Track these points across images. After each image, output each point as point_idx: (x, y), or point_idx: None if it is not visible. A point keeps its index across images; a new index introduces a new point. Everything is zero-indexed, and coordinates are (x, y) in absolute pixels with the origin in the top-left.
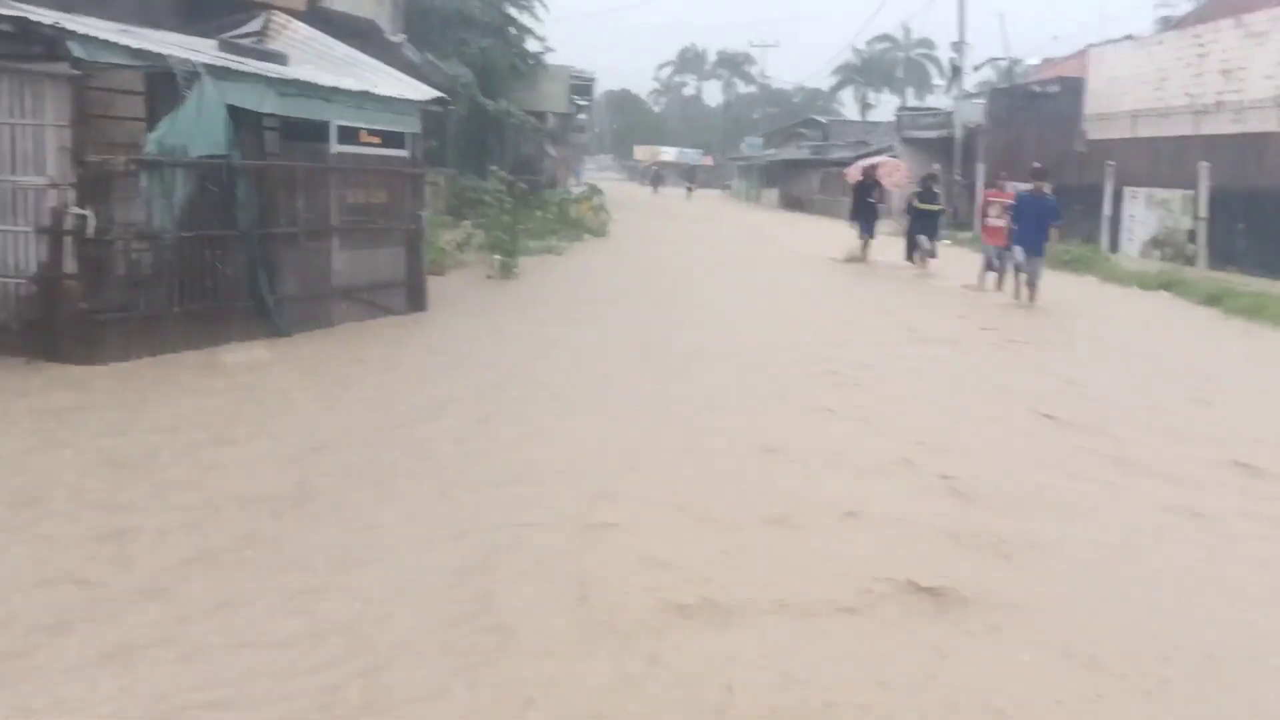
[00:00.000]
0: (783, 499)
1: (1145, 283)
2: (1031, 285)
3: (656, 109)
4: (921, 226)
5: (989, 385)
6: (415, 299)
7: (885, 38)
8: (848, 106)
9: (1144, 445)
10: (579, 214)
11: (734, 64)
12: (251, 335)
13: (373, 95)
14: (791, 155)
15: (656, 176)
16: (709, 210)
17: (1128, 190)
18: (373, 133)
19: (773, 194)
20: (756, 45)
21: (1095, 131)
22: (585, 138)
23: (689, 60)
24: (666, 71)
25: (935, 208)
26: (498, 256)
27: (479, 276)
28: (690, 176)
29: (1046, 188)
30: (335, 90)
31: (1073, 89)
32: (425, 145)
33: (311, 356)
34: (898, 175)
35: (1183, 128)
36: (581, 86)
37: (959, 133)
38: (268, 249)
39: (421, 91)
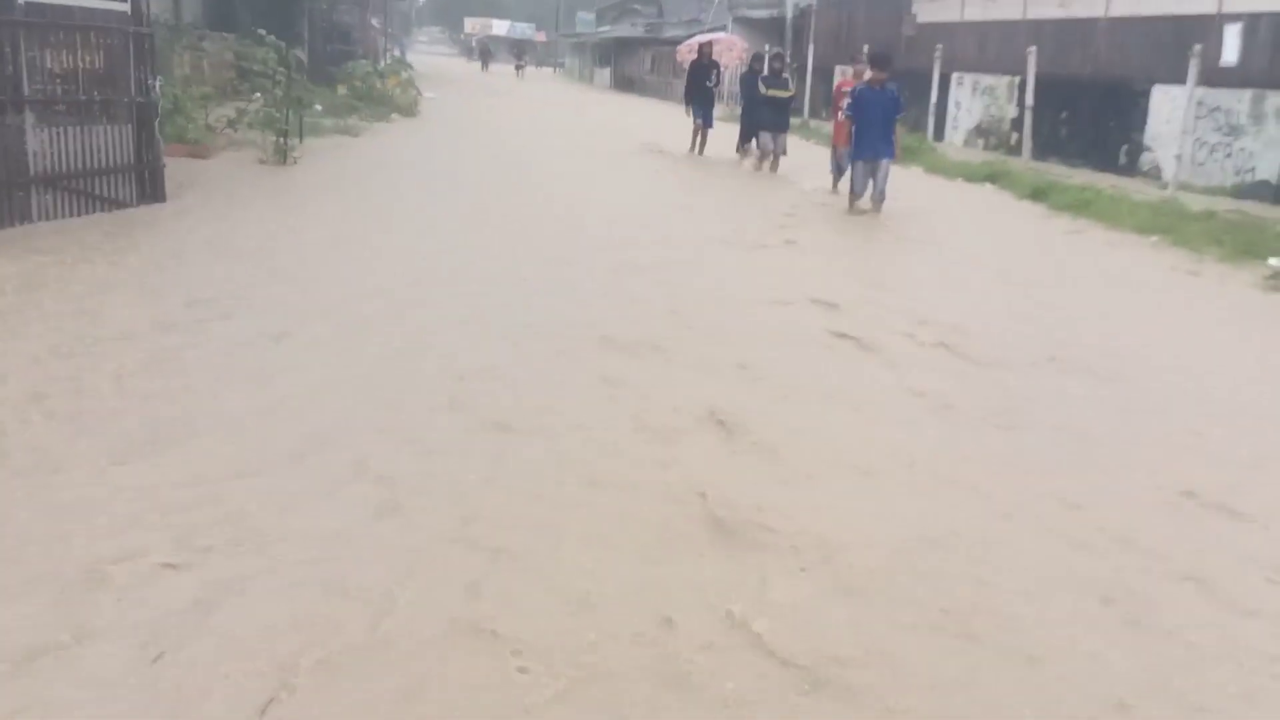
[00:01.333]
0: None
1: (971, 174)
2: (880, 195)
3: None
4: (769, 117)
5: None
6: (149, 188)
7: None
8: None
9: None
10: (386, 90)
11: None
12: None
13: None
14: (623, 33)
15: (485, 52)
16: (537, 90)
17: (954, 76)
18: None
19: (605, 74)
20: None
21: (925, 14)
22: (407, 5)
23: None
24: None
25: (785, 93)
26: (273, 137)
27: (252, 160)
28: (520, 53)
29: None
30: None
31: None
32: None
33: None
34: (733, 54)
35: (1011, 11)
36: None
37: (790, 12)
38: None
39: None
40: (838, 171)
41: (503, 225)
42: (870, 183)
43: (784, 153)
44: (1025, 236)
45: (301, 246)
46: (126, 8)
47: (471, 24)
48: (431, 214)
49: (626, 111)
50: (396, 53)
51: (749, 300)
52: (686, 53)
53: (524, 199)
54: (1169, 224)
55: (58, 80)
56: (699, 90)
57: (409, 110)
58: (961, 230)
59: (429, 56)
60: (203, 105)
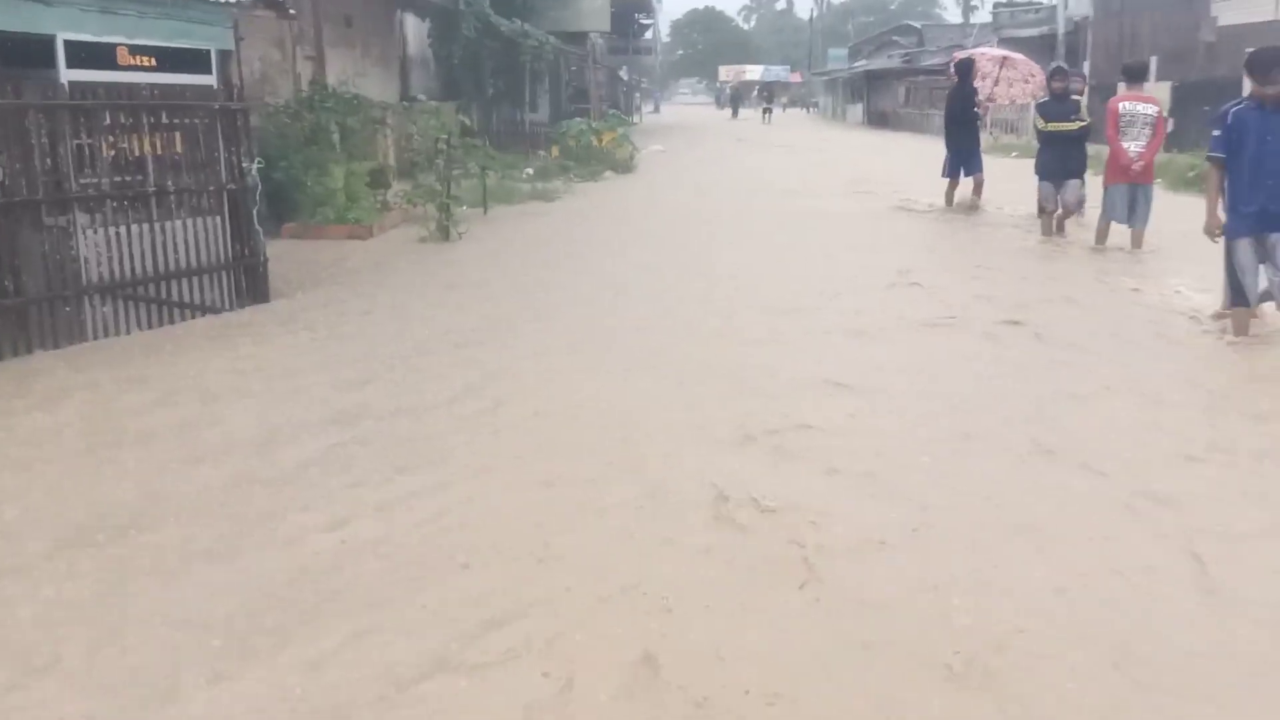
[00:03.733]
0: None
1: None
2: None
3: (746, 26)
4: (1056, 160)
5: None
6: (250, 287)
7: None
8: (949, 10)
9: None
10: (602, 147)
11: None
12: None
13: None
14: (873, 65)
15: (735, 97)
16: (779, 134)
17: None
18: (140, 50)
19: (857, 110)
20: None
21: (1228, 16)
22: (652, 60)
23: None
24: None
25: (1070, 126)
26: (440, 211)
27: (414, 238)
28: (768, 96)
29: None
30: None
31: None
32: (427, 77)
33: None
34: (1014, 80)
35: None
36: (638, 2)
37: (1062, 27)
38: None
39: None
40: (1104, 218)
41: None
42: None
43: (1079, 210)
44: None
45: (408, 359)
46: (212, 80)
47: (726, 71)
48: (571, 314)
49: (874, 151)
50: (650, 108)
51: None
52: (972, 61)
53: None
54: None
55: (125, 170)
56: (957, 124)
57: (624, 166)
58: None
59: (685, 107)
60: (377, 181)
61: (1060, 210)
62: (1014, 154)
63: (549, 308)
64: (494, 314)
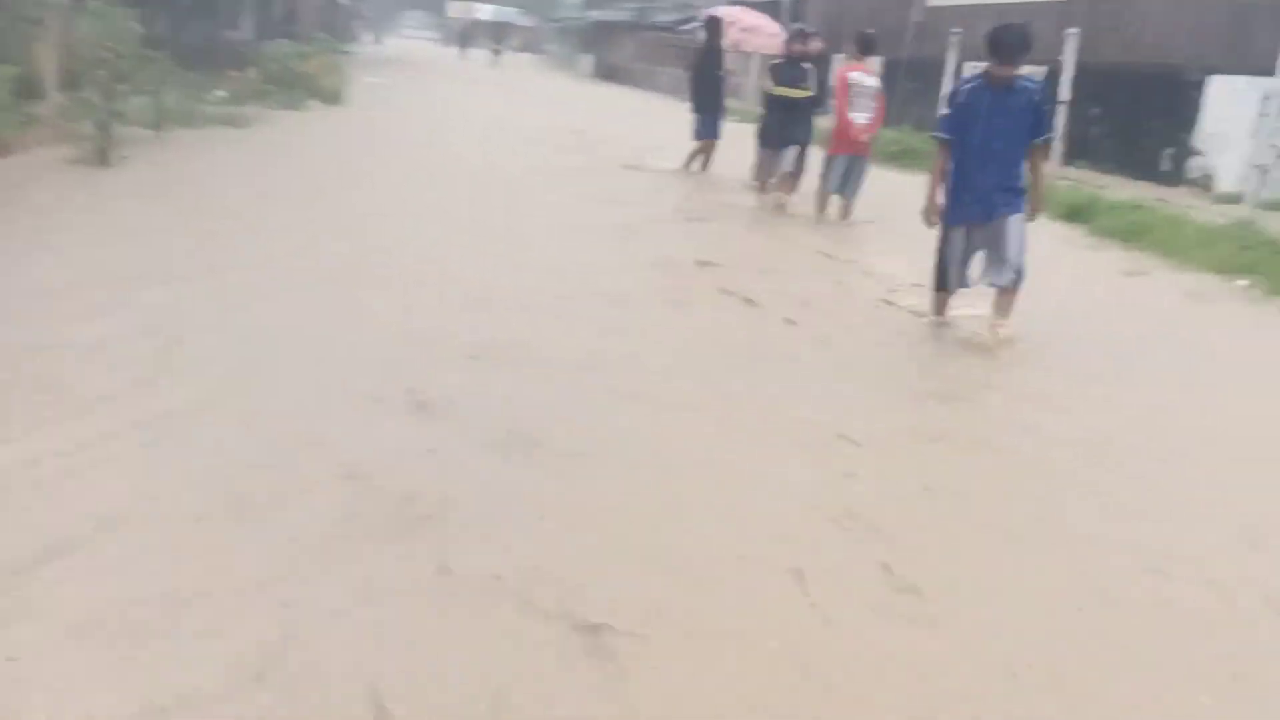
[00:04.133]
0: None
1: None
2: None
3: None
4: (781, 126)
5: None
6: None
7: None
8: None
9: None
10: (307, 73)
11: None
12: None
13: None
14: (607, 16)
15: (465, 36)
16: (507, 77)
17: (969, 66)
18: None
19: (588, 61)
20: None
21: None
22: None
23: None
24: None
25: (800, 93)
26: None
27: (63, 159)
28: (498, 38)
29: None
30: None
31: None
32: None
33: None
34: (758, 36)
35: None
36: None
37: None
38: None
39: None
40: (824, 189)
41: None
42: (985, 267)
43: (795, 180)
44: (1093, 288)
45: None
46: None
47: (454, 8)
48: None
49: (602, 105)
50: (370, 38)
51: None
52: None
53: (395, 239)
54: (1258, 259)
55: None
56: (705, 84)
57: (332, 97)
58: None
59: (411, 42)
60: (29, 92)
61: (776, 179)
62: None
63: (212, 261)
64: (139, 265)
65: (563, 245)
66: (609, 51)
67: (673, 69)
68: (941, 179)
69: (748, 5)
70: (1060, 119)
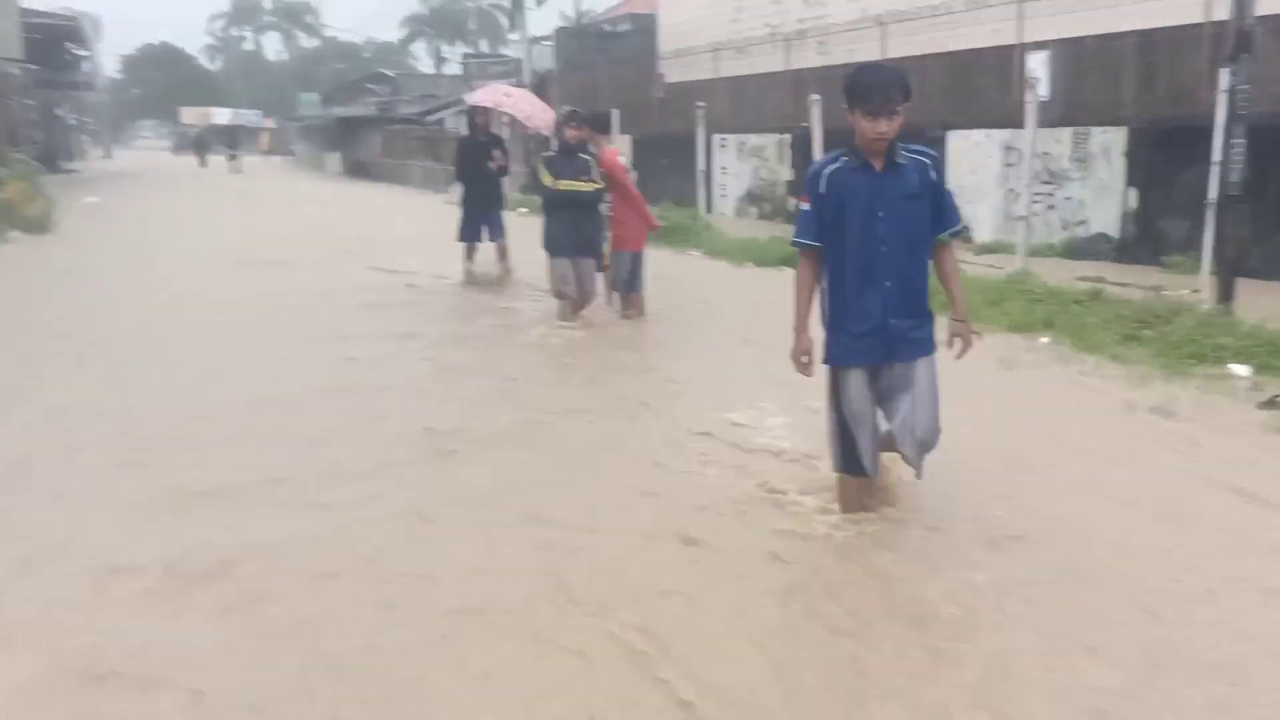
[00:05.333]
0: None
1: (762, 257)
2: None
3: (213, 67)
4: (569, 229)
5: None
6: None
7: None
8: (422, 61)
9: None
10: (7, 199)
11: (292, 14)
12: None
13: None
14: (350, 112)
15: (201, 143)
16: (249, 184)
17: (717, 138)
18: None
19: (335, 158)
20: None
21: (675, 74)
22: (95, 98)
23: (244, 11)
24: (221, 24)
25: (586, 186)
26: None
27: None
28: (234, 142)
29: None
30: None
31: (645, 26)
32: None
33: None
34: (536, 112)
35: (771, 62)
36: (65, 29)
37: (529, 79)
38: None
39: None
40: (612, 288)
41: None
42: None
43: (596, 295)
44: None
45: None
46: None
47: (189, 114)
48: None
49: (349, 204)
50: (100, 152)
51: None
52: (485, 108)
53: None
54: (1051, 313)
55: None
56: (475, 180)
57: (38, 225)
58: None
59: (147, 153)
60: None
61: (580, 297)
62: (522, 210)
63: None
64: None
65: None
66: (356, 148)
67: (423, 162)
68: (811, 300)
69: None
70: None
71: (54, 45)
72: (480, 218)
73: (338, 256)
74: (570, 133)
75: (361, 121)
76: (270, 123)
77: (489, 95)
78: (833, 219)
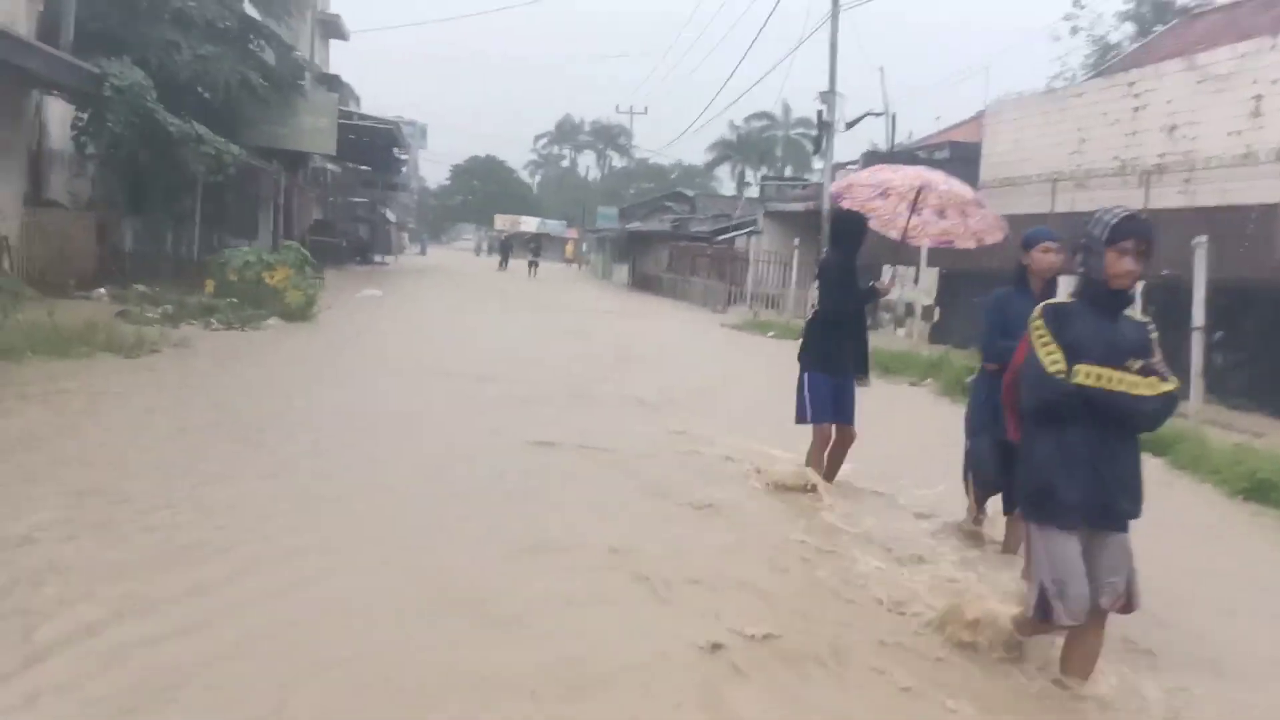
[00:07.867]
0: None
1: (1233, 480)
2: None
3: (532, 180)
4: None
5: None
6: None
7: (764, 115)
8: (723, 184)
9: None
10: (274, 285)
11: (607, 135)
12: None
13: None
14: (643, 227)
15: (505, 246)
16: (537, 291)
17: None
18: None
19: (623, 270)
20: (624, 112)
21: (996, 203)
22: (408, 197)
23: (565, 131)
24: (544, 142)
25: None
26: None
27: None
28: (536, 248)
29: None
30: None
31: (965, 154)
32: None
33: None
34: (986, 226)
35: (1119, 198)
36: (379, 132)
37: (827, 204)
38: None
39: None
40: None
41: None
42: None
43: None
44: None
45: None
46: None
47: (502, 220)
48: None
49: (637, 324)
50: (415, 249)
51: None
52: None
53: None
54: None
55: None
56: (832, 325)
57: (300, 313)
58: None
59: (458, 252)
60: None
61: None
62: (771, 333)
63: None
64: None
65: None
66: (643, 261)
67: (706, 279)
68: None
69: (785, 215)
70: (1196, 348)
71: (383, 149)
72: (829, 386)
73: (626, 405)
74: (1047, 259)
75: (652, 236)
76: (573, 233)
77: (864, 187)
78: None
